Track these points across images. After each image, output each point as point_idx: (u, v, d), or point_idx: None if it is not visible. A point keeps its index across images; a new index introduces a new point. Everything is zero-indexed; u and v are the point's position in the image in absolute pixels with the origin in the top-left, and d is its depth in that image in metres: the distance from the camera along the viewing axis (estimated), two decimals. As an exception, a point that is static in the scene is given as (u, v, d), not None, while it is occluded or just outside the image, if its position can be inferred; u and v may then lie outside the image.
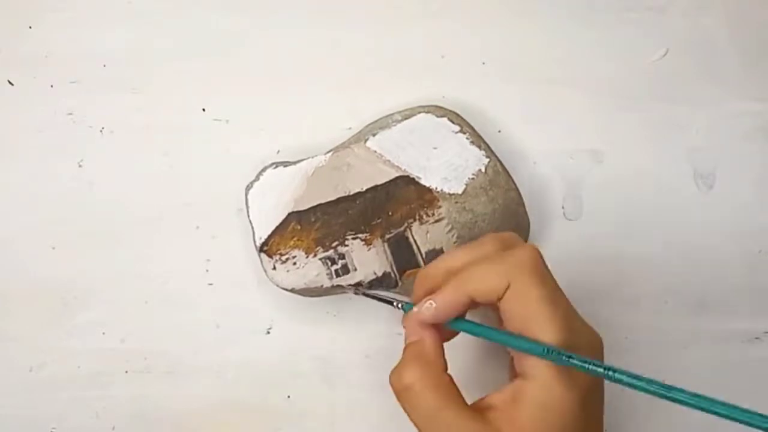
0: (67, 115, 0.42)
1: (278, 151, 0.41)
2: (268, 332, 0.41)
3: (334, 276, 0.38)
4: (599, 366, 0.27)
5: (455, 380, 0.31)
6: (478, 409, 0.30)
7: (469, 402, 0.30)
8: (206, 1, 0.42)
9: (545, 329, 0.28)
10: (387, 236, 0.38)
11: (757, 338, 0.41)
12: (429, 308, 0.30)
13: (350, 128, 0.41)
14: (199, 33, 0.42)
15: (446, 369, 0.31)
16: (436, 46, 0.42)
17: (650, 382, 0.26)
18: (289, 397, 0.41)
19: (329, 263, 0.38)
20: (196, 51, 0.42)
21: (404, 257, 0.38)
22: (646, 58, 0.42)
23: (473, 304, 0.30)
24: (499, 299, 0.29)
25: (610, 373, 0.27)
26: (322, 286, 0.38)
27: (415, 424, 0.30)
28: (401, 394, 0.30)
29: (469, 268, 0.30)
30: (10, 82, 0.42)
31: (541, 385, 0.28)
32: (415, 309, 0.31)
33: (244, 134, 0.41)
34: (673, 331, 0.41)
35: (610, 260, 0.41)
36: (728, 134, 0.42)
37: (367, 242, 0.38)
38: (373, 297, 0.36)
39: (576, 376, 0.28)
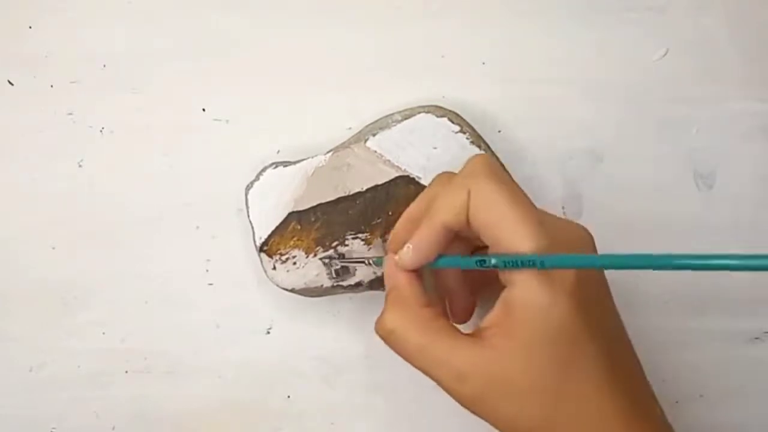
0: (67, 115, 0.42)
1: (278, 151, 0.41)
2: (268, 332, 0.41)
3: (334, 276, 0.38)
4: (578, 260, 0.26)
5: None
6: (474, 333, 0.29)
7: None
8: (206, 1, 0.42)
9: (518, 232, 0.27)
10: (387, 236, 0.38)
11: (757, 338, 0.41)
12: (407, 252, 0.30)
13: (350, 128, 0.41)
14: (199, 33, 0.42)
15: (428, 304, 0.31)
16: (436, 46, 0.42)
17: (639, 257, 0.24)
18: (289, 397, 0.41)
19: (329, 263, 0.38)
20: (196, 51, 0.42)
21: (404, 257, 0.38)
22: (646, 58, 0.42)
23: (449, 234, 0.30)
24: (468, 216, 0.29)
25: (595, 261, 0.27)
26: (322, 286, 0.38)
27: (409, 362, 0.30)
28: (387, 339, 0.30)
29: (431, 200, 0.31)
30: (10, 82, 0.42)
31: (523, 288, 0.27)
32: (396, 257, 0.31)
33: (244, 134, 0.41)
34: (673, 331, 0.41)
35: (610, 260, 0.41)
36: (728, 134, 0.42)
37: (367, 242, 0.38)
38: (349, 262, 0.37)
39: (557, 275, 0.27)
